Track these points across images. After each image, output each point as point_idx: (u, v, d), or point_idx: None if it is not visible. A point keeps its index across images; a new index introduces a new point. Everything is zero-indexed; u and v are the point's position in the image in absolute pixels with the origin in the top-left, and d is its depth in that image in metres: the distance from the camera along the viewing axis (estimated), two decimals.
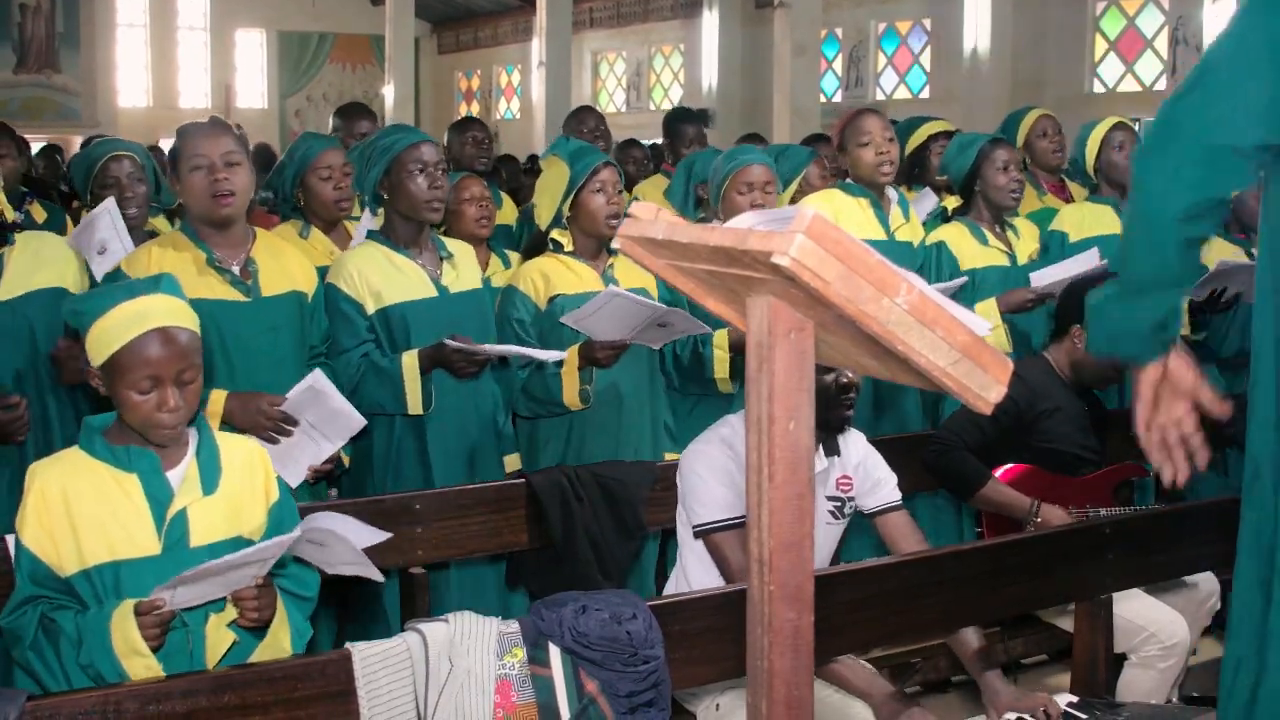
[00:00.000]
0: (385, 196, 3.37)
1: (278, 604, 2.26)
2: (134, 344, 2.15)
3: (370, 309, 3.31)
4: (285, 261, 3.15)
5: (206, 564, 2.08)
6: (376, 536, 2.45)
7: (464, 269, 3.47)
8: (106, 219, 3.71)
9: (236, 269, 3.02)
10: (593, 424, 3.57)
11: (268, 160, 6.43)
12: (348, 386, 3.24)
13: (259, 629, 2.25)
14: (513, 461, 3.59)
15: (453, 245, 3.51)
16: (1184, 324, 4.59)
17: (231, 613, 2.21)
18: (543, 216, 3.64)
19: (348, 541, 2.29)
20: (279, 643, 2.30)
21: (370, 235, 3.46)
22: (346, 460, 3.22)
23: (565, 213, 3.56)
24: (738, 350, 3.67)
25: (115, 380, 2.17)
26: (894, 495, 3.07)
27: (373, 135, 3.60)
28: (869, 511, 3.06)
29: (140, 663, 2.11)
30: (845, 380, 2.83)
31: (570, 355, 3.42)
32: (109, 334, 2.17)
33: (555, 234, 3.61)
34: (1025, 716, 2.68)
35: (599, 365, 3.41)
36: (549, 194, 3.59)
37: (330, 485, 3.43)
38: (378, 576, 2.35)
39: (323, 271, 3.46)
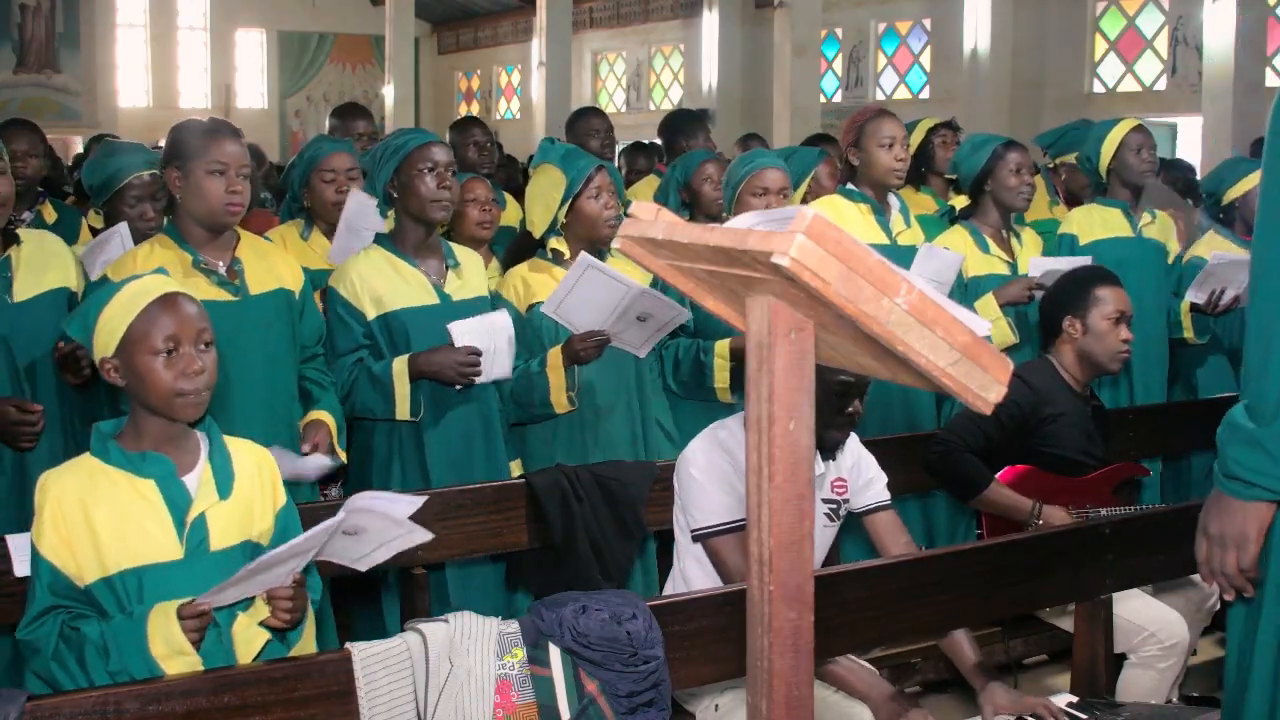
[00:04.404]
0: (395, 196, 3.36)
1: (307, 606, 2.26)
2: (146, 311, 2.15)
3: (370, 315, 3.31)
4: (270, 260, 3.15)
5: (258, 560, 2.08)
6: (414, 504, 2.44)
7: (470, 278, 3.46)
8: (118, 241, 3.75)
9: (222, 269, 3.02)
10: (571, 429, 3.55)
11: (258, 161, 6.41)
12: (341, 391, 3.27)
13: (285, 629, 2.25)
14: (514, 468, 3.58)
15: (462, 254, 3.50)
16: (1187, 327, 4.59)
17: (261, 612, 2.20)
18: (537, 224, 3.60)
19: (389, 516, 2.27)
20: (309, 645, 2.31)
21: (377, 239, 3.45)
22: (343, 455, 3.22)
23: (561, 219, 3.54)
24: (738, 359, 3.66)
25: (134, 356, 2.15)
26: (884, 495, 3.07)
27: (386, 136, 3.59)
28: (858, 511, 3.06)
29: (184, 661, 2.11)
30: (850, 411, 2.81)
31: (553, 355, 3.41)
32: (117, 315, 2.16)
33: (553, 243, 3.57)
34: (1025, 718, 2.68)
35: (580, 361, 3.40)
36: (543, 201, 3.56)
37: (324, 486, 3.43)
38: (427, 536, 2.35)
39: (323, 274, 3.45)
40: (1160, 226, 4.66)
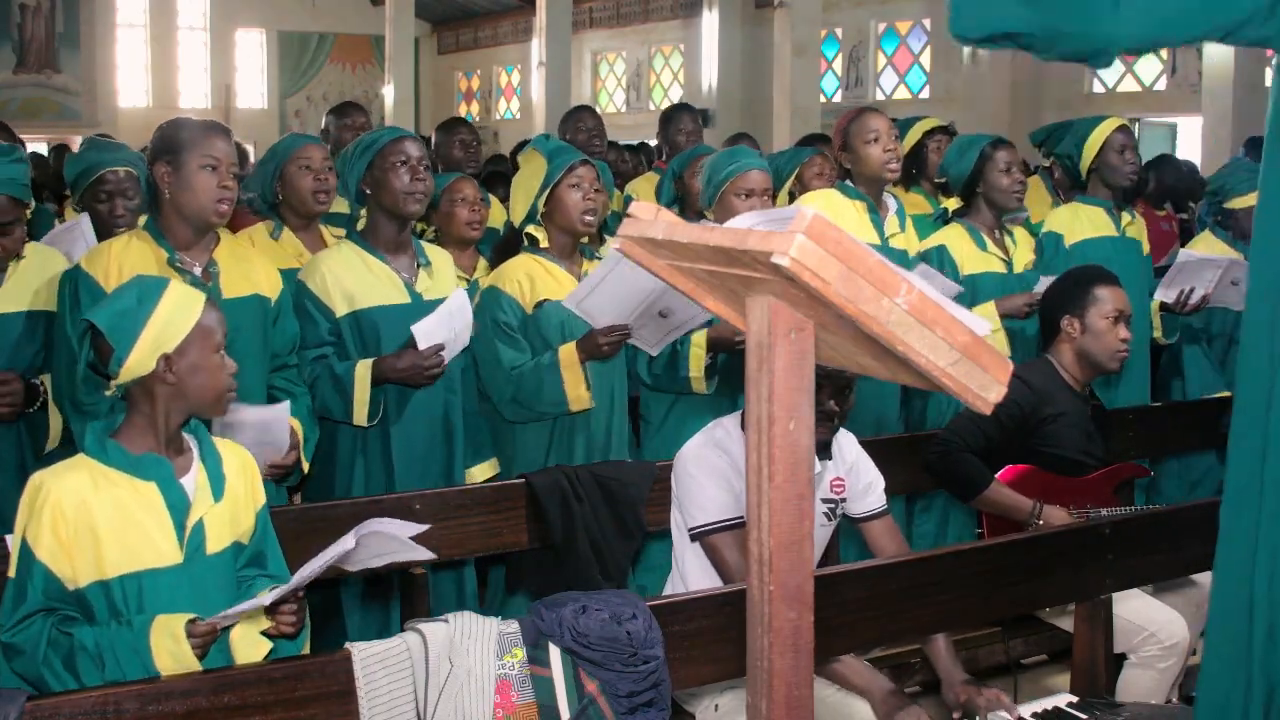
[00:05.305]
0: (368, 192, 3.34)
1: (306, 616, 2.27)
2: (203, 315, 2.24)
3: (340, 312, 3.28)
4: (248, 266, 3.11)
5: (272, 595, 2.12)
6: (418, 529, 2.46)
7: (440, 277, 3.43)
8: (78, 233, 3.75)
9: (197, 270, 2.98)
10: (555, 432, 3.54)
11: (242, 162, 6.38)
12: (305, 384, 3.25)
13: (283, 638, 2.26)
14: (484, 470, 3.54)
15: (432, 253, 3.48)
16: (1156, 326, 4.58)
17: (262, 621, 2.22)
18: (517, 211, 3.61)
19: (395, 535, 2.28)
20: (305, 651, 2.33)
21: (349, 236, 3.44)
22: (306, 466, 3.17)
23: (540, 208, 3.54)
24: (715, 349, 3.66)
25: (199, 351, 2.22)
26: (881, 501, 3.07)
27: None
28: (856, 516, 3.06)
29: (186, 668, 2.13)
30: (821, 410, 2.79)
31: (566, 352, 3.39)
32: (177, 318, 2.21)
33: (530, 229, 3.57)
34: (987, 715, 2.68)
35: (600, 357, 3.38)
36: (524, 188, 3.57)
37: (291, 492, 3.37)
38: (428, 555, 2.38)
39: (290, 274, 3.41)
40: (1139, 227, 4.65)
